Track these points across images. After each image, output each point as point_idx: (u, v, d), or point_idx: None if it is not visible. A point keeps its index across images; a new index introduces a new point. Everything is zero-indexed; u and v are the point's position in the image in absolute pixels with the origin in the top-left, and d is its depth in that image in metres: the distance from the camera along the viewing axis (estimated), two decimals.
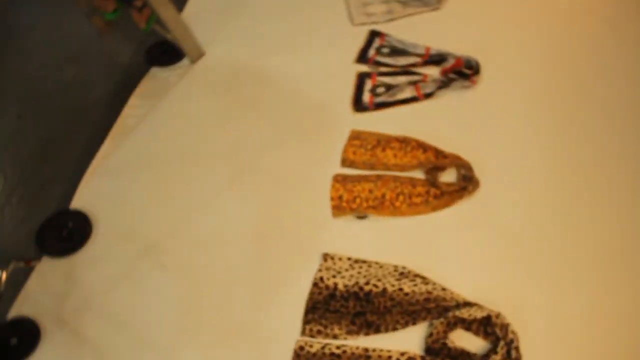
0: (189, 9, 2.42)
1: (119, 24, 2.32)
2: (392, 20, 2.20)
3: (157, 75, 2.16)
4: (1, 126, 2.11)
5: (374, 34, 2.14)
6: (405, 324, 1.42)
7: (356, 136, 1.80)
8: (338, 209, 1.65)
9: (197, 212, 1.71)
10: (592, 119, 1.81)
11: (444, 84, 1.91)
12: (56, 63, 2.32)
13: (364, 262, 1.54)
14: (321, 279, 1.51)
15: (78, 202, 1.78)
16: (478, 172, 1.67)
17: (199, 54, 2.16)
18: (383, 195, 1.66)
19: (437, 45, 2.06)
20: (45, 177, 1.91)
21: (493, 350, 1.33)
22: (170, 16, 1.98)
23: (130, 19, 2.13)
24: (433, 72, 1.97)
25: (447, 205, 1.64)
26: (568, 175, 1.67)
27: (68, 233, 1.71)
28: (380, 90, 1.93)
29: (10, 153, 2.01)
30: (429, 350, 1.37)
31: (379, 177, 1.70)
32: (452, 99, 1.89)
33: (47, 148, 2.02)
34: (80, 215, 1.74)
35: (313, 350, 1.39)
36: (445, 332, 1.38)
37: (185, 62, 2.17)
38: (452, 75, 1.90)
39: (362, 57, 2.06)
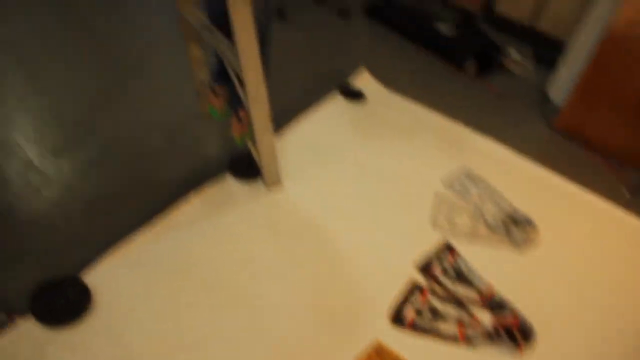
0: (286, 136, 2.44)
1: (224, 119, 2.36)
2: (471, 242, 2.11)
3: (227, 183, 2.15)
4: (67, 165, 2.13)
5: (447, 247, 2.05)
6: None
7: (378, 350, 1.67)
8: None
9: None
10: None
11: (490, 337, 1.77)
12: (148, 127, 2.37)
13: None
14: None
15: (89, 275, 1.73)
16: None
17: (275, 182, 2.14)
18: None
19: (503, 286, 1.94)
20: (76, 231, 1.89)
21: None
22: (265, 140, 1.98)
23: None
24: (485, 318, 1.84)
25: None
26: None
27: (64, 303, 1.64)
28: (426, 313, 1.81)
29: (63, 192, 2.02)
30: None
31: None
32: (491, 358, 1.74)
33: (96, 203, 2.00)
34: (84, 290, 1.67)
35: None
36: None
37: (259, 184, 2.14)
38: (501, 333, 1.76)
39: (425, 267, 1.96)
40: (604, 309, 1.99)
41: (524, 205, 2.35)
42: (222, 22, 1.81)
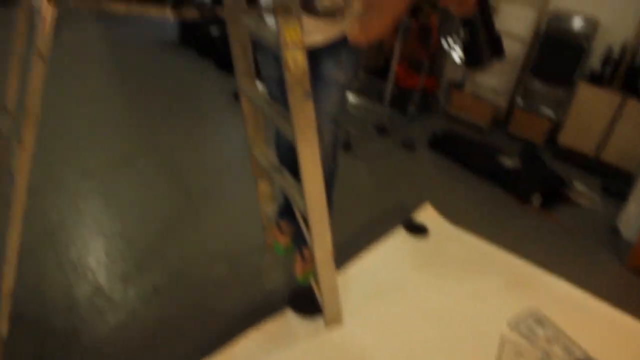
0: (344, 273, 2.48)
1: (289, 254, 2.44)
2: None
3: (287, 318, 2.17)
4: (133, 291, 2.23)
5: None
6: None
7: None
8: None
9: None
10: None
11: None
12: (212, 256, 2.47)
13: None
14: None
15: None
16: None
17: (335, 320, 2.15)
18: None
19: None
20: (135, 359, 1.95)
21: None
22: (328, 280, 2.02)
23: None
24: None
25: None
26: None
27: None
28: None
29: (126, 318, 2.10)
30: None
31: None
32: None
33: (157, 331, 2.07)
34: None
35: None
36: None
37: (319, 319, 2.16)
38: None
39: None
40: None
41: (596, 351, 2.25)
42: (290, 163, 1.91)
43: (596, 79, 4.17)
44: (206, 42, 5.08)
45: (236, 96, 3.67)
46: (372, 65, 5.08)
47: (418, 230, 2.90)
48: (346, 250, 2.59)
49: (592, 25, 4.14)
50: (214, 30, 5.00)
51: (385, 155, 3.87)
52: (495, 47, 3.28)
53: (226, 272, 2.42)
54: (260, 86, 2.10)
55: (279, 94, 1.93)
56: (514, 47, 4.53)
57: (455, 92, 4.69)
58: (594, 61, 4.21)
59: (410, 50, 4.54)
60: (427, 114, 4.73)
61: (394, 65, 4.10)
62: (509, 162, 3.73)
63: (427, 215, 3.07)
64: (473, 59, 3.30)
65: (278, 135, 2.26)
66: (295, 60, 1.56)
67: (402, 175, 3.65)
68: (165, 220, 2.72)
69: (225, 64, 4.73)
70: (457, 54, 3.43)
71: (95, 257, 2.39)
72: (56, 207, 2.69)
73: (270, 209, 2.47)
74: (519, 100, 4.58)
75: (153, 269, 2.37)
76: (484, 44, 3.18)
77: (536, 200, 3.43)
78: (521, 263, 2.79)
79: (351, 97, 4.59)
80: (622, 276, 2.92)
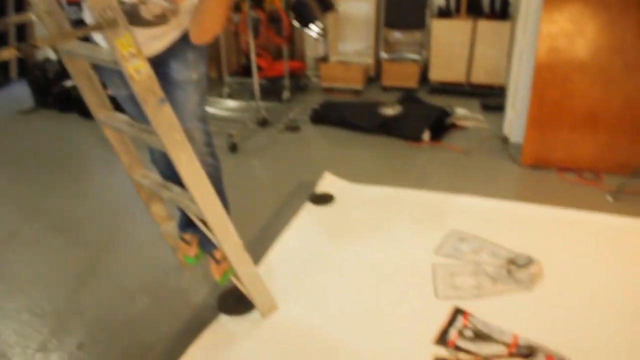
0: (268, 258, 2.43)
1: (202, 261, 2.36)
2: (479, 296, 2.07)
3: (224, 325, 2.08)
4: (56, 357, 2.08)
5: (457, 312, 2.00)
6: None
7: None
8: None
9: None
10: None
11: None
12: (131, 292, 2.35)
13: None
14: None
15: None
16: None
17: (271, 309, 2.09)
18: None
19: (527, 332, 1.87)
20: None
21: None
22: (248, 272, 1.96)
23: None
24: None
25: None
26: None
27: None
28: None
29: None
30: None
31: None
32: None
33: None
34: None
35: None
36: None
37: (256, 314, 2.10)
38: None
39: (442, 338, 1.89)
40: (629, 315, 1.94)
41: (520, 246, 2.34)
42: (172, 174, 1.85)
43: (445, 13, 4.40)
44: (62, 96, 4.85)
45: None
46: (235, 68, 5.07)
47: (324, 199, 2.89)
48: (263, 243, 2.53)
49: None
50: (69, 82, 4.78)
51: (273, 144, 3.84)
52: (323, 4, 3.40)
53: (149, 303, 2.30)
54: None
55: (136, 110, 1.86)
56: (363, 8, 4.67)
57: (323, 66, 4.75)
58: None
59: (266, 40, 4.55)
60: (302, 94, 4.76)
61: (254, 60, 4.08)
62: (390, 110, 3.80)
63: (328, 183, 3.07)
64: (305, 19, 3.38)
65: (152, 152, 2.18)
66: (138, 70, 1.49)
67: (295, 156, 3.63)
68: (72, 277, 2.54)
69: (88, 111, 4.54)
70: (312, 30, 3.46)
71: (4, 341, 2.20)
72: None
73: (170, 227, 2.38)
74: (384, 54, 4.71)
75: (73, 328, 2.21)
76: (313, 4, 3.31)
77: (426, 136, 3.53)
78: (429, 194, 2.85)
79: (226, 104, 4.55)
80: (520, 175, 3.08)
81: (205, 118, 2.00)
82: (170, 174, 1.93)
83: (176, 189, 1.94)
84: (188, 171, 1.69)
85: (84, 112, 4.66)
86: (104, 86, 1.95)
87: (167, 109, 1.60)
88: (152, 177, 2.12)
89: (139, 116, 1.84)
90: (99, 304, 2.34)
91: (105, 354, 2.06)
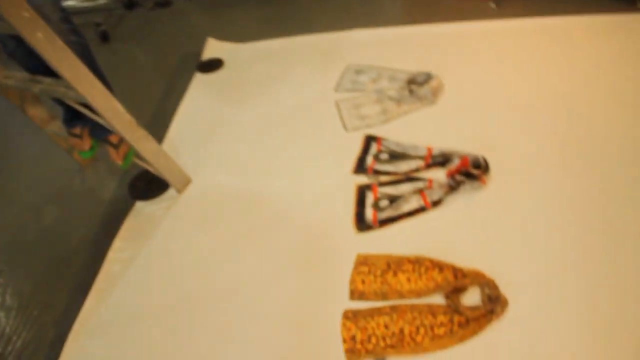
0: (170, 136, 2.31)
1: (102, 156, 2.21)
2: (387, 121, 2.07)
3: (142, 211, 1.99)
4: None
5: (369, 139, 2.00)
6: None
7: (363, 261, 1.62)
8: (352, 352, 1.44)
9: None
10: (614, 211, 1.62)
11: (452, 188, 1.74)
12: (36, 206, 2.19)
13: None
14: None
15: None
16: (503, 289, 1.47)
17: (185, 183, 2.01)
18: (401, 330, 1.45)
19: (439, 143, 1.91)
20: (26, 342, 1.73)
21: None
22: (150, 149, 1.84)
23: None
24: (438, 175, 1.81)
25: (474, 333, 1.43)
26: (602, 277, 1.47)
27: None
28: (384, 203, 1.76)
29: None
30: None
31: (393, 308, 1.50)
32: (463, 205, 1.72)
33: (27, 310, 1.84)
34: None
35: None
36: None
37: (171, 192, 2.02)
38: (459, 178, 1.74)
39: (360, 167, 1.91)
40: (524, 105, 2.02)
41: (416, 66, 2.33)
42: (39, 66, 1.66)
43: None
44: None
45: None
46: None
47: (213, 65, 2.74)
48: (161, 123, 2.39)
49: None
50: None
51: (146, 24, 3.55)
52: None
53: (59, 213, 2.15)
54: None
55: None
56: None
57: None
58: None
59: None
60: None
61: None
62: None
63: (214, 49, 2.90)
64: None
65: (4, 44, 1.93)
66: None
67: (173, 32, 3.38)
68: None
69: None
70: None
71: None
72: None
73: (56, 127, 2.18)
74: None
75: None
76: None
77: None
78: (318, 37, 2.77)
79: None
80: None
81: None
82: (34, 65, 1.73)
83: (48, 80, 1.74)
84: (50, 50, 1.49)
85: None
86: None
87: None
88: (16, 75, 1.89)
89: None
90: (5, 228, 2.17)
91: (27, 275, 1.95)
